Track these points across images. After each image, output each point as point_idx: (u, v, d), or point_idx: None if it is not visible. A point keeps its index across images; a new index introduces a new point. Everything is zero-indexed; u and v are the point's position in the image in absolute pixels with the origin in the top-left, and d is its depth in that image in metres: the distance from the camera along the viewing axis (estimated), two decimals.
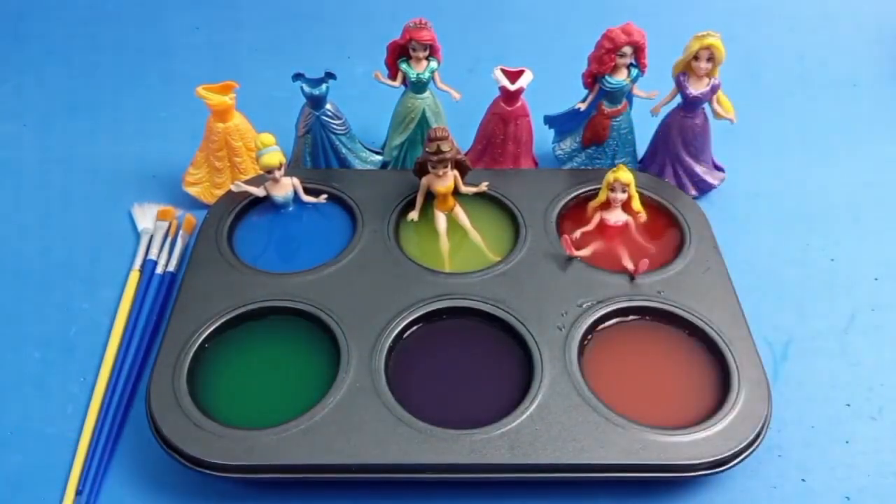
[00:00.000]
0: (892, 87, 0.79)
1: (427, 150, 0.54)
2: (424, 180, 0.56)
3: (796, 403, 0.48)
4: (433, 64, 0.58)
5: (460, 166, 0.56)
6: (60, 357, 0.50)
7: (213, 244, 0.54)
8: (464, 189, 0.57)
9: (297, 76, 0.57)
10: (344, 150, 0.61)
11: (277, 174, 0.55)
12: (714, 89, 0.57)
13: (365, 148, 0.63)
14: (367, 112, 0.64)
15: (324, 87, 0.57)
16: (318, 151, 0.61)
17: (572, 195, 0.58)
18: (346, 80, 0.59)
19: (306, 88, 0.57)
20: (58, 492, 0.43)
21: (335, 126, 0.60)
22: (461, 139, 0.58)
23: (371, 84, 0.60)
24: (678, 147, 0.60)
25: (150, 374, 0.45)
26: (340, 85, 0.58)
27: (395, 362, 0.46)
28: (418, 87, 0.59)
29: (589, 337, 0.48)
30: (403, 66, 0.58)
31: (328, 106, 0.59)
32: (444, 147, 0.53)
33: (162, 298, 0.53)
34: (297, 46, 0.82)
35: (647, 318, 0.49)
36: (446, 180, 0.55)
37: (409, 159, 0.63)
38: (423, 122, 0.61)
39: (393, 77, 0.60)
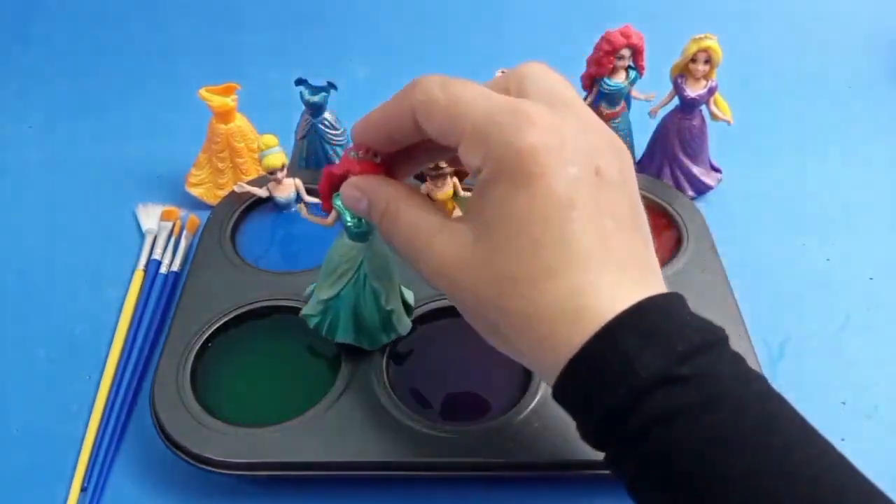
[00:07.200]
0: (885, 88, 0.79)
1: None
2: (425, 187, 0.57)
3: (792, 402, 0.47)
4: None
5: (459, 172, 0.56)
6: (65, 355, 0.51)
7: (216, 244, 0.54)
8: (463, 193, 0.58)
9: (300, 81, 0.57)
10: (337, 161, 0.61)
11: (280, 175, 0.56)
12: (711, 91, 0.58)
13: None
14: None
15: (321, 96, 0.57)
16: (311, 158, 0.61)
17: None
18: (348, 84, 0.59)
19: (306, 95, 0.57)
20: (63, 488, 0.43)
21: (332, 136, 0.60)
22: None
23: (373, 87, 0.61)
24: (676, 148, 0.61)
25: (154, 372, 0.45)
26: (342, 88, 0.58)
27: (396, 360, 0.47)
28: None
29: None
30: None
31: (326, 115, 0.59)
32: (442, 164, 0.53)
33: (166, 298, 0.54)
34: (299, 49, 0.83)
35: None
36: (446, 188, 0.56)
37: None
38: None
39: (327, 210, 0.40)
